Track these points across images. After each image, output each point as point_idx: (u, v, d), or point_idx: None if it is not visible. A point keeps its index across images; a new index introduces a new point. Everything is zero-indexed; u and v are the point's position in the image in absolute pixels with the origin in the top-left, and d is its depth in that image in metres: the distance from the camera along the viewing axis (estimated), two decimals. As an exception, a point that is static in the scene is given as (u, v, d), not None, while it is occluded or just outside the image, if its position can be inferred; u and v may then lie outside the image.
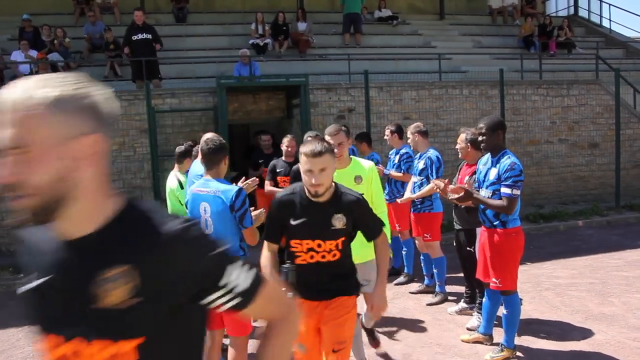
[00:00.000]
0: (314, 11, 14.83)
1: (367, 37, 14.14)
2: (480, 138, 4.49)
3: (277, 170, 6.65)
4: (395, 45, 13.90)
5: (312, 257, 3.00)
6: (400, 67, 12.60)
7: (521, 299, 5.94)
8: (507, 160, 4.33)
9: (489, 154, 4.58)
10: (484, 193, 4.48)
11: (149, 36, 10.53)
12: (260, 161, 8.30)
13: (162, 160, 9.01)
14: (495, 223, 4.41)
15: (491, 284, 4.50)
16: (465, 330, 5.21)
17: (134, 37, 10.58)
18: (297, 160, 4.95)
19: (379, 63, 12.46)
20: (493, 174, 4.42)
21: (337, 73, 11.44)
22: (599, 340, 4.91)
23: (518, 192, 4.24)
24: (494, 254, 4.43)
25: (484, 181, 4.55)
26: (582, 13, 18.04)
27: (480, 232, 4.70)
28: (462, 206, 5.19)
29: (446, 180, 4.74)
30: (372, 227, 3.11)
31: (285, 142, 6.73)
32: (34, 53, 10.60)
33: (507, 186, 4.23)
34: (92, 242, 1.17)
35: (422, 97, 10.80)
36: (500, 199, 4.28)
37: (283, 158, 6.73)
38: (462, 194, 4.39)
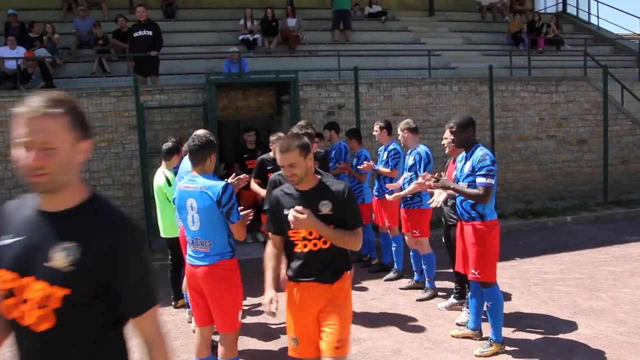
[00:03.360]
0: (304, 7, 14.79)
1: (356, 34, 14.12)
2: (451, 137, 4.70)
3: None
4: (385, 42, 13.89)
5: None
6: (390, 64, 12.61)
7: (510, 294, 6.00)
8: (479, 152, 4.48)
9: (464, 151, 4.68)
10: (462, 185, 4.56)
11: (149, 33, 10.46)
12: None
13: (151, 157, 8.94)
14: (473, 215, 4.52)
15: (469, 275, 4.58)
16: (455, 325, 5.23)
17: (135, 34, 10.51)
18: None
19: (368, 59, 12.45)
20: (467, 167, 4.56)
21: (326, 69, 11.42)
22: (587, 334, 4.94)
23: (492, 181, 4.38)
24: (472, 246, 4.53)
25: (460, 176, 4.65)
26: (571, 10, 18.15)
27: (458, 226, 4.76)
28: (450, 202, 5.22)
29: (435, 175, 4.78)
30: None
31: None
32: (21, 50, 10.47)
33: (482, 175, 4.38)
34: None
35: (412, 94, 10.80)
36: (477, 189, 4.39)
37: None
38: (439, 183, 4.57)
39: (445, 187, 4.63)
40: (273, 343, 5.11)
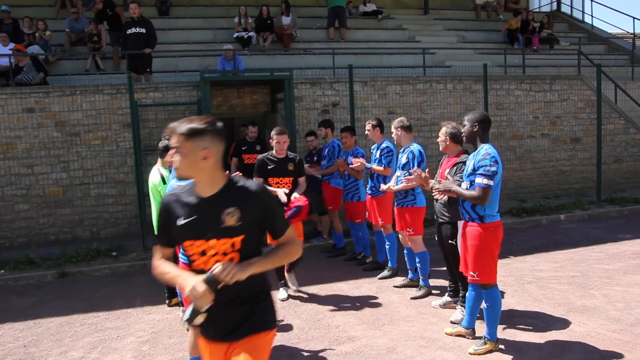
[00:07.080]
0: (298, 5, 14.78)
1: (351, 32, 14.12)
2: (461, 129, 4.59)
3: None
4: (379, 40, 13.91)
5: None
6: (385, 62, 12.63)
7: (503, 293, 6.01)
8: (482, 151, 4.39)
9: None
10: (464, 185, 4.53)
11: (143, 30, 10.41)
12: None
13: (145, 155, 8.93)
14: (473, 216, 4.46)
15: (469, 277, 4.55)
16: (449, 323, 5.24)
17: (128, 31, 10.45)
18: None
19: (363, 57, 12.46)
20: (470, 165, 4.49)
21: (321, 67, 11.42)
22: (580, 332, 4.96)
23: (491, 182, 4.27)
24: (471, 248, 4.48)
25: (465, 174, 4.60)
26: (565, 9, 18.22)
27: (462, 226, 4.72)
28: (443, 200, 5.23)
29: (426, 171, 4.79)
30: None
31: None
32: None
33: (480, 175, 4.29)
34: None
35: (406, 92, 10.81)
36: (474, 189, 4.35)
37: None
38: (440, 186, 4.61)
39: (447, 191, 4.60)
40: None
